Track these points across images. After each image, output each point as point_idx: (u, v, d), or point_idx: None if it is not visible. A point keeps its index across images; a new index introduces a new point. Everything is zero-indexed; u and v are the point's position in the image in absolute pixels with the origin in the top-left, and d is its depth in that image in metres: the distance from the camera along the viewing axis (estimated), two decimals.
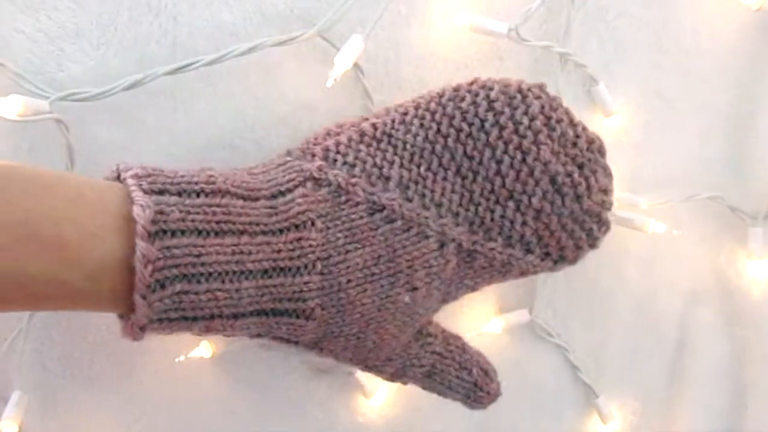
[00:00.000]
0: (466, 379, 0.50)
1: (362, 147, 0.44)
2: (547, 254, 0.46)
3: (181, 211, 0.37)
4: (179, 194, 0.38)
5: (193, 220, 0.38)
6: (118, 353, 0.50)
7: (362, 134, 0.44)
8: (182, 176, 0.39)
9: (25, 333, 0.47)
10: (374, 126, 0.45)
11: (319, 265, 0.41)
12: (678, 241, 0.61)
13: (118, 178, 0.40)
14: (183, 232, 0.37)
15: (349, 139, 0.44)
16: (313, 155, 0.44)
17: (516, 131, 0.44)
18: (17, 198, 0.34)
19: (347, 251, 0.42)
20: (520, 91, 0.44)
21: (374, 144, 0.44)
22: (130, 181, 0.38)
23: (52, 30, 0.45)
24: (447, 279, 0.45)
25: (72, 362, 0.49)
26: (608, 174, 0.47)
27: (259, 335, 0.43)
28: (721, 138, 0.62)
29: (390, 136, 0.44)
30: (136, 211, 0.36)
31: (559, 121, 0.44)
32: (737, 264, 0.65)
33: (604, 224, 0.47)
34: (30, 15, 0.44)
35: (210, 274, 0.38)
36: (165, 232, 0.37)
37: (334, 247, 0.41)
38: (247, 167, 0.44)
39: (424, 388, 0.50)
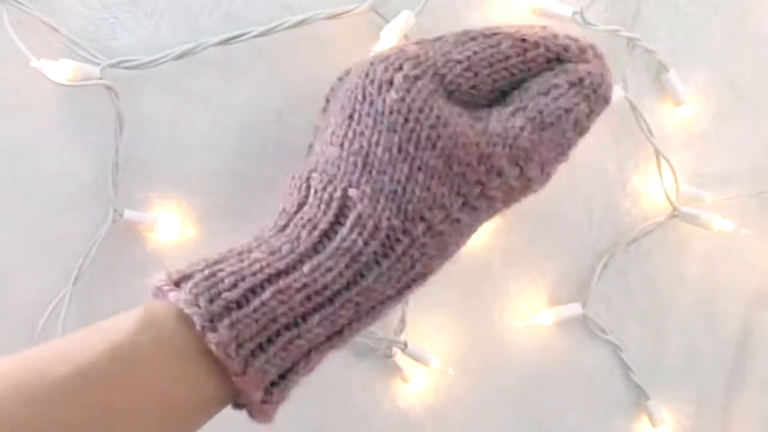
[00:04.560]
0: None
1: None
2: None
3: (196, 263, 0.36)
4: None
5: (210, 262, 0.36)
6: None
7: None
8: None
9: (69, 297, 0.47)
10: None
11: (315, 175, 0.38)
12: (742, 238, 0.58)
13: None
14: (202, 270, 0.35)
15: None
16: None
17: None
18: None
19: (325, 130, 0.39)
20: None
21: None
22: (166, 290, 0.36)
23: None
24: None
25: None
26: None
27: (363, 279, 0.37)
28: None
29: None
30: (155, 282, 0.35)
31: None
32: None
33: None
34: None
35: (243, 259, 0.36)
36: (186, 276, 0.35)
37: (320, 154, 0.39)
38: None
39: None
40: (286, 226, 0.38)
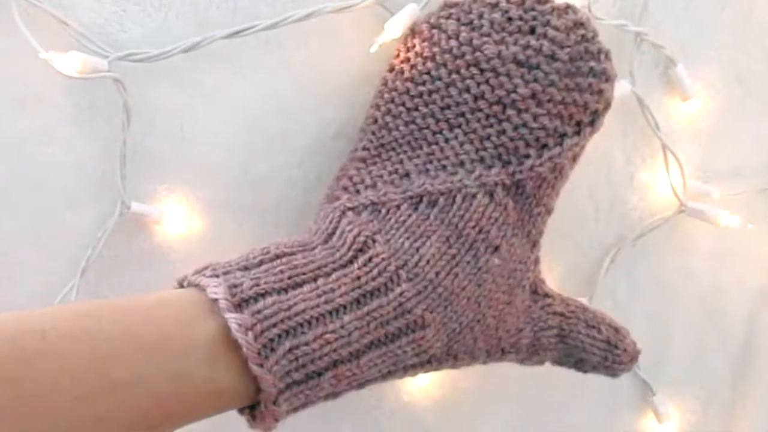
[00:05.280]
0: (597, 337, 0.48)
1: (371, 168, 0.45)
2: (578, 123, 0.43)
3: (251, 279, 0.38)
4: (244, 269, 0.39)
5: (266, 283, 0.38)
6: None
7: (363, 160, 0.45)
8: (238, 258, 0.40)
9: (77, 289, 0.47)
10: (365, 147, 0.46)
11: (402, 273, 0.40)
12: (749, 234, 0.58)
13: (181, 287, 0.40)
14: (262, 295, 0.37)
15: (358, 169, 0.45)
16: (337, 198, 0.44)
17: (456, 56, 0.43)
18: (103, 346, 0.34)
19: (418, 249, 0.41)
20: (432, 27, 0.44)
21: (377, 159, 0.45)
22: (193, 278, 0.39)
23: None
24: (516, 221, 0.44)
25: None
26: (563, 11, 0.42)
27: (390, 373, 0.42)
28: None
29: (382, 145, 0.45)
30: (211, 291, 0.37)
31: (480, 17, 0.43)
32: None
33: (599, 53, 0.42)
34: None
35: (308, 321, 0.37)
36: (246, 300, 0.37)
37: (404, 252, 0.41)
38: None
39: (561, 362, 0.49)
40: (325, 269, 0.40)
